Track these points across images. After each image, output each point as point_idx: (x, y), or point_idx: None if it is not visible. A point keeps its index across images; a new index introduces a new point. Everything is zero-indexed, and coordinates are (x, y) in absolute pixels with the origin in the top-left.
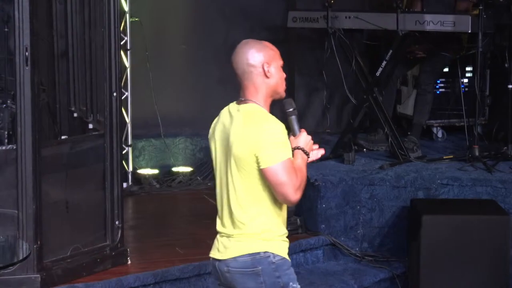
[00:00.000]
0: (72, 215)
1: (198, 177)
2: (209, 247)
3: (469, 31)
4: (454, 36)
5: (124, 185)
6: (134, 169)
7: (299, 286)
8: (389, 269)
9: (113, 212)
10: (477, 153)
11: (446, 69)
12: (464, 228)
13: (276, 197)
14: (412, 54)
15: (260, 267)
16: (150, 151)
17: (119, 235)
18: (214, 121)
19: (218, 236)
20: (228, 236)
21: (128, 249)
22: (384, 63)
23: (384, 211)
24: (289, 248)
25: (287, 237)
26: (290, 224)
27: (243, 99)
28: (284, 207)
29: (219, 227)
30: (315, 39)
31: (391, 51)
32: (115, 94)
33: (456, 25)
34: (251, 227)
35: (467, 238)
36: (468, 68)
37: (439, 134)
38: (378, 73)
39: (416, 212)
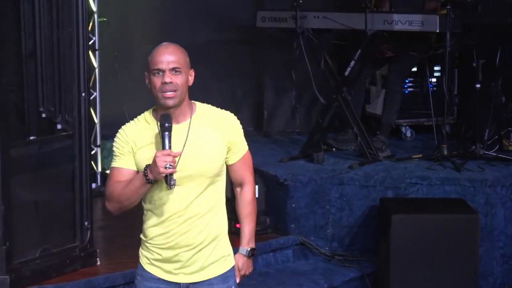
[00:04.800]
0: (41, 216)
1: None
2: None
3: (437, 31)
4: (422, 36)
5: (93, 185)
6: (103, 169)
7: None
8: (358, 268)
9: (82, 213)
10: (445, 152)
11: (414, 69)
12: (433, 227)
13: None
14: (380, 54)
15: None
16: None
17: (88, 236)
18: None
19: None
20: None
21: (97, 250)
22: (352, 62)
23: (354, 211)
24: (260, 248)
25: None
26: (259, 223)
27: None
28: (164, 213)
29: None
30: (284, 39)
31: (359, 50)
32: (83, 94)
33: (424, 25)
34: None
35: (436, 237)
36: (436, 68)
37: (408, 133)
38: (347, 73)
39: (386, 211)
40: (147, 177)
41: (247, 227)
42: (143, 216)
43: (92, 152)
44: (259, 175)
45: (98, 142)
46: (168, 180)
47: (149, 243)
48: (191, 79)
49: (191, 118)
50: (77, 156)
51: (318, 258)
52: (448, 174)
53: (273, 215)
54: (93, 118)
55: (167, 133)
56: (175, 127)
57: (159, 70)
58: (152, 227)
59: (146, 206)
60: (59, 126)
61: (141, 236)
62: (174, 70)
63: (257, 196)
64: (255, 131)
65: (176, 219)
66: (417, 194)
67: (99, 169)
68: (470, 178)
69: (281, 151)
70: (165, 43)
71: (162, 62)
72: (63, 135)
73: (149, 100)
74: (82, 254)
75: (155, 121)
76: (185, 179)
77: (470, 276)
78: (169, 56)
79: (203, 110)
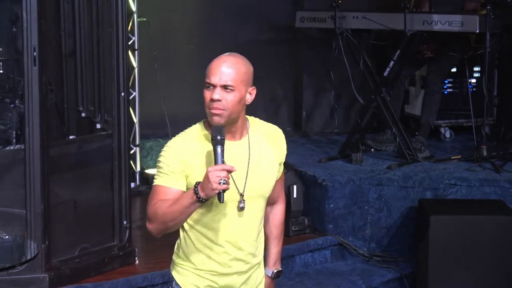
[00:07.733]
0: (80, 215)
1: None
2: None
3: (477, 31)
4: (462, 36)
5: (132, 185)
6: (142, 169)
7: None
8: (397, 269)
9: (121, 212)
10: (485, 153)
11: (454, 69)
12: (472, 229)
13: None
14: (419, 54)
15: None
16: (158, 151)
17: (127, 235)
18: None
19: None
20: None
21: (136, 249)
22: (391, 63)
23: (392, 212)
24: (298, 248)
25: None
26: (297, 224)
27: None
28: (221, 238)
29: None
30: (322, 39)
31: (398, 51)
32: (122, 94)
33: (464, 25)
34: (176, 245)
35: (475, 239)
36: (476, 68)
37: (447, 134)
38: (385, 73)
39: (424, 212)
40: (198, 196)
41: (276, 248)
42: (184, 239)
43: (131, 152)
44: (298, 175)
45: (137, 142)
46: (221, 197)
47: (201, 270)
48: (250, 97)
49: (248, 134)
50: (116, 156)
51: (356, 259)
52: (488, 176)
53: (312, 215)
54: (132, 118)
55: (219, 146)
56: (233, 143)
57: (210, 84)
58: (205, 253)
59: (196, 228)
60: (98, 126)
61: (184, 261)
62: (225, 87)
63: (295, 196)
64: (294, 131)
65: (234, 243)
66: (456, 195)
67: (138, 168)
68: (509, 179)
69: (320, 151)
70: (227, 54)
71: (215, 76)
72: (102, 134)
73: (188, 101)
74: (121, 253)
75: (209, 137)
76: (248, 199)
77: (508, 277)
78: (225, 70)
79: (256, 125)
